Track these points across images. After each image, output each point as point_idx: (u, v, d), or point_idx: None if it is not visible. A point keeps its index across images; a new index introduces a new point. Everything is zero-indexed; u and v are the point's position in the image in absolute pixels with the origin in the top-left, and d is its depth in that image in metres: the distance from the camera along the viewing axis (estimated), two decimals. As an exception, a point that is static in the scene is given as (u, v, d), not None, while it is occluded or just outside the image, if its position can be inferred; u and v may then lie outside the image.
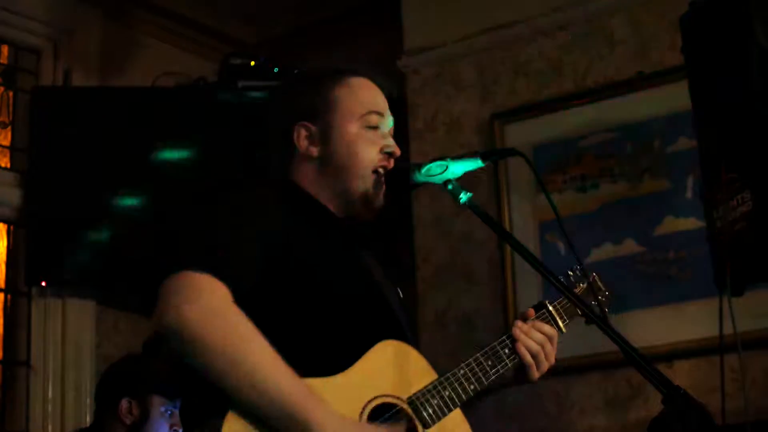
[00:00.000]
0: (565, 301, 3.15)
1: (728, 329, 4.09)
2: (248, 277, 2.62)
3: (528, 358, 2.99)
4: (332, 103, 2.96)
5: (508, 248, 5.46)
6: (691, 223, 5.12)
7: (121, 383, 4.60)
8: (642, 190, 5.31)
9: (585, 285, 3.28)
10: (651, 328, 5.01)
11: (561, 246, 5.39)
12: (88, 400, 5.81)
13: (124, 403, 4.55)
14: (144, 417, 4.53)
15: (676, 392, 2.38)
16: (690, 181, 5.16)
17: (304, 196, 2.93)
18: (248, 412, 2.50)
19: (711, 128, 4.18)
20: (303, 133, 2.96)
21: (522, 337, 2.98)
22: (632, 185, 5.34)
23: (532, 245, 5.41)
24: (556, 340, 3.05)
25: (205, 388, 2.54)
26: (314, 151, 2.95)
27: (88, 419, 5.76)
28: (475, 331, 5.57)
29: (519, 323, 3.02)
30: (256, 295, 2.64)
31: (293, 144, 2.96)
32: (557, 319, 3.10)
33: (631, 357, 2.49)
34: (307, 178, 2.96)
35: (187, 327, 2.48)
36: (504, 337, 2.99)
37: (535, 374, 3.02)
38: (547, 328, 3.03)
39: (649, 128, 5.35)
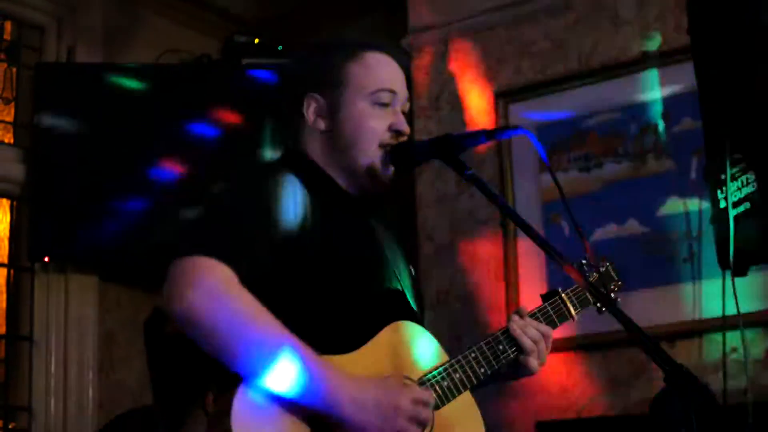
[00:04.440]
0: (579, 288, 3.14)
1: (731, 309, 4.10)
2: (253, 257, 2.62)
3: (527, 348, 2.98)
4: (344, 78, 2.93)
5: (512, 226, 5.45)
6: (694, 204, 5.12)
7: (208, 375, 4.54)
8: (646, 170, 5.31)
9: (597, 275, 3.26)
10: (654, 307, 5.01)
11: (565, 226, 5.39)
12: (90, 375, 5.83)
13: (210, 396, 4.50)
14: None
15: (679, 370, 2.38)
16: (694, 162, 5.15)
17: (314, 170, 2.92)
18: (259, 388, 2.51)
19: (716, 109, 4.17)
20: (312, 105, 2.94)
21: (518, 332, 2.95)
22: (636, 165, 5.33)
23: (536, 225, 5.39)
24: (550, 339, 3.02)
25: (214, 366, 2.55)
26: (322, 124, 2.93)
27: (91, 393, 5.79)
28: (478, 309, 5.57)
29: (516, 318, 2.99)
30: (266, 275, 2.65)
31: (303, 115, 2.95)
32: (569, 306, 3.09)
33: (635, 336, 2.49)
34: (316, 152, 2.94)
35: (191, 311, 2.50)
36: (498, 332, 2.96)
37: (529, 371, 3.00)
38: (543, 327, 3.01)
39: (653, 108, 5.34)
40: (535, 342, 2.95)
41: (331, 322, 2.70)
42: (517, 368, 2.99)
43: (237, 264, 2.56)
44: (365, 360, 2.67)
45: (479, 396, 2.98)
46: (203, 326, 2.50)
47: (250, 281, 2.58)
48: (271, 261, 2.66)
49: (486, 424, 2.88)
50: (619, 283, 3.36)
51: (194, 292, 2.50)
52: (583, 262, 3.23)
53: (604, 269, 3.32)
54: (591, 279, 3.23)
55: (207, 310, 2.50)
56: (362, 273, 2.82)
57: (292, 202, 2.74)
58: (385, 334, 2.74)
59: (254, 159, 5.50)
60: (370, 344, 2.70)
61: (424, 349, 2.82)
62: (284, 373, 2.49)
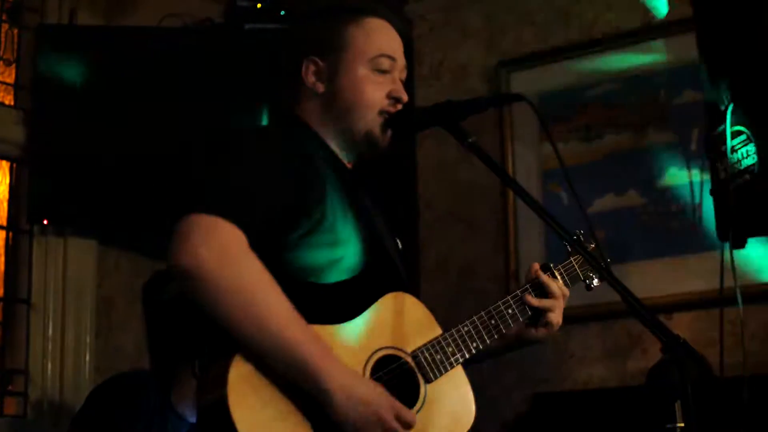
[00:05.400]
0: (569, 265, 3.13)
1: (729, 282, 4.10)
2: (260, 222, 2.60)
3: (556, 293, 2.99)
4: (344, 42, 2.93)
5: (511, 196, 5.46)
6: (694, 176, 5.11)
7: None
8: (646, 141, 5.30)
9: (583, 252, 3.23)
10: (652, 279, 5.02)
11: (563, 195, 5.39)
12: (88, 339, 5.82)
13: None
14: None
15: (676, 342, 2.38)
16: (695, 134, 5.15)
17: (307, 134, 2.92)
18: (256, 357, 2.50)
19: (718, 80, 4.16)
20: (311, 68, 2.93)
21: (546, 279, 2.98)
22: (637, 136, 5.33)
23: (535, 194, 5.39)
24: (565, 301, 3.04)
25: (213, 330, 2.54)
26: (320, 87, 2.93)
27: (88, 357, 5.78)
28: (476, 278, 5.58)
29: (538, 271, 3.02)
30: (267, 240, 2.64)
31: (301, 78, 2.94)
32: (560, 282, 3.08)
33: (633, 307, 2.48)
34: (312, 114, 2.94)
35: (202, 268, 2.46)
36: (508, 297, 2.96)
37: (549, 329, 3.01)
38: (565, 288, 3.04)
39: (655, 80, 5.33)
40: (556, 298, 2.99)
41: (326, 292, 2.69)
42: (526, 334, 3.01)
43: (245, 226, 2.54)
44: (359, 331, 2.67)
45: (476, 368, 2.98)
46: (212, 287, 2.48)
47: (254, 246, 2.57)
48: (273, 227, 2.65)
49: (483, 397, 2.87)
50: (603, 264, 3.33)
51: (207, 251, 2.47)
52: (581, 232, 3.21)
53: (591, 250, 3.28)
54: (590, 249, 3.20)
55: (218, 270, 2.47)
56: (356, 244, 2.80)
57: (296, 168, 2.73)
58: (380, 305, 2.74)
59: (256, 125, 5.48)
60: (365, 314, 2.70)
61: (418, 320, 2.81)
62: (283, 352, 2.48)
